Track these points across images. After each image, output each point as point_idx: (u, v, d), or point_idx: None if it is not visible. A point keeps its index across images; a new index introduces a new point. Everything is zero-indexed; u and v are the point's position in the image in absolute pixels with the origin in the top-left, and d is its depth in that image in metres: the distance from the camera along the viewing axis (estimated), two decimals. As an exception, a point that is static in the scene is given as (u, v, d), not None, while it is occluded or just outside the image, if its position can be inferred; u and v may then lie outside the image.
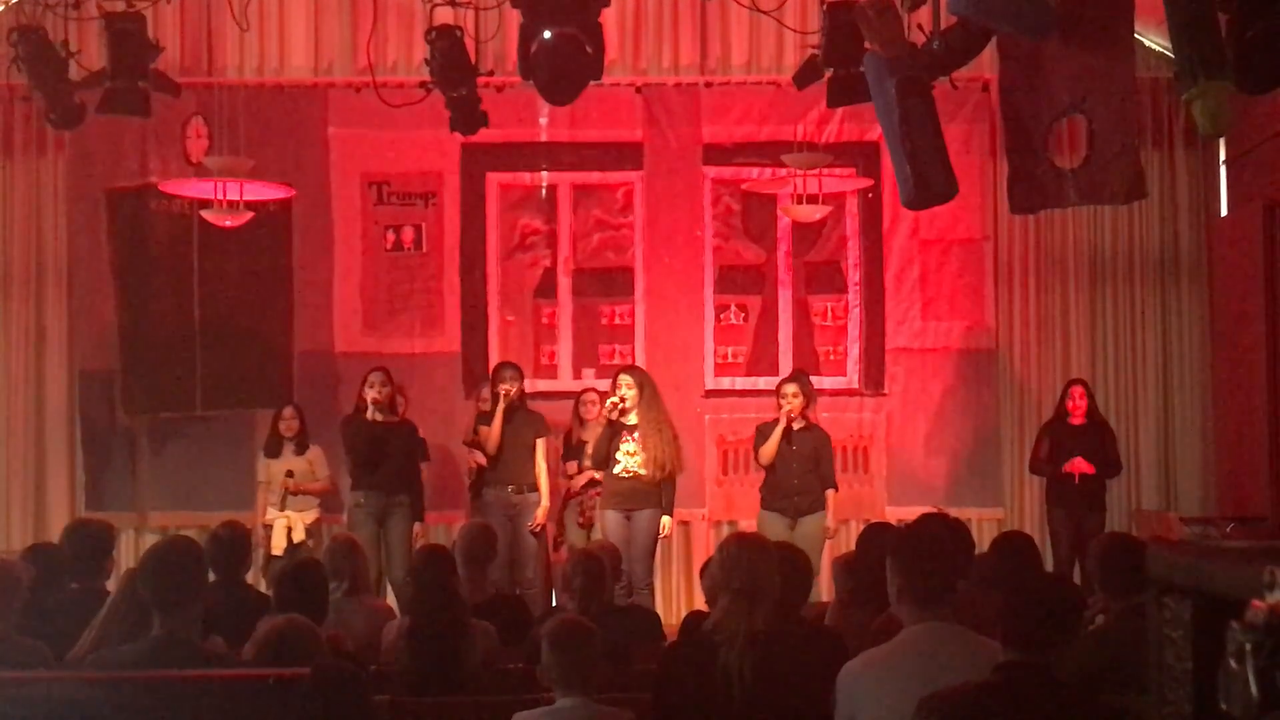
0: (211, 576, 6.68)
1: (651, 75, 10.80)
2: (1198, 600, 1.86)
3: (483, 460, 9.51)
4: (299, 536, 9.39)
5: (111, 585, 5.61)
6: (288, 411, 9.80)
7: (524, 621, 6.34)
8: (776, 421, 9.20)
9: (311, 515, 9.64)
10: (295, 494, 9.55)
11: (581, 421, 9.78)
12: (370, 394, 9.20)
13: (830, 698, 4.00)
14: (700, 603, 7.33)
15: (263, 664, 4.42)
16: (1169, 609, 1.93)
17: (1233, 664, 1.63)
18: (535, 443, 9.48)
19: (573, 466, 9.75)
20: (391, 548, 9.28)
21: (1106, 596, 5.16)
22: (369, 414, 9.20)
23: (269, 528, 9.55)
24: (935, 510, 7.16)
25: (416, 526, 9.37)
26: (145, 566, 4.35)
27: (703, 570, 6.65)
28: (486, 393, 9.71)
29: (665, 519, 9.09)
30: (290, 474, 9.57)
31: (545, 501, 9.45)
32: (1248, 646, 1.61)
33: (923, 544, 4.03)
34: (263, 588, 8.08)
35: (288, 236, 10.64)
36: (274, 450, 9.75)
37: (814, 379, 9.87)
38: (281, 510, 9.54)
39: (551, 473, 9.74)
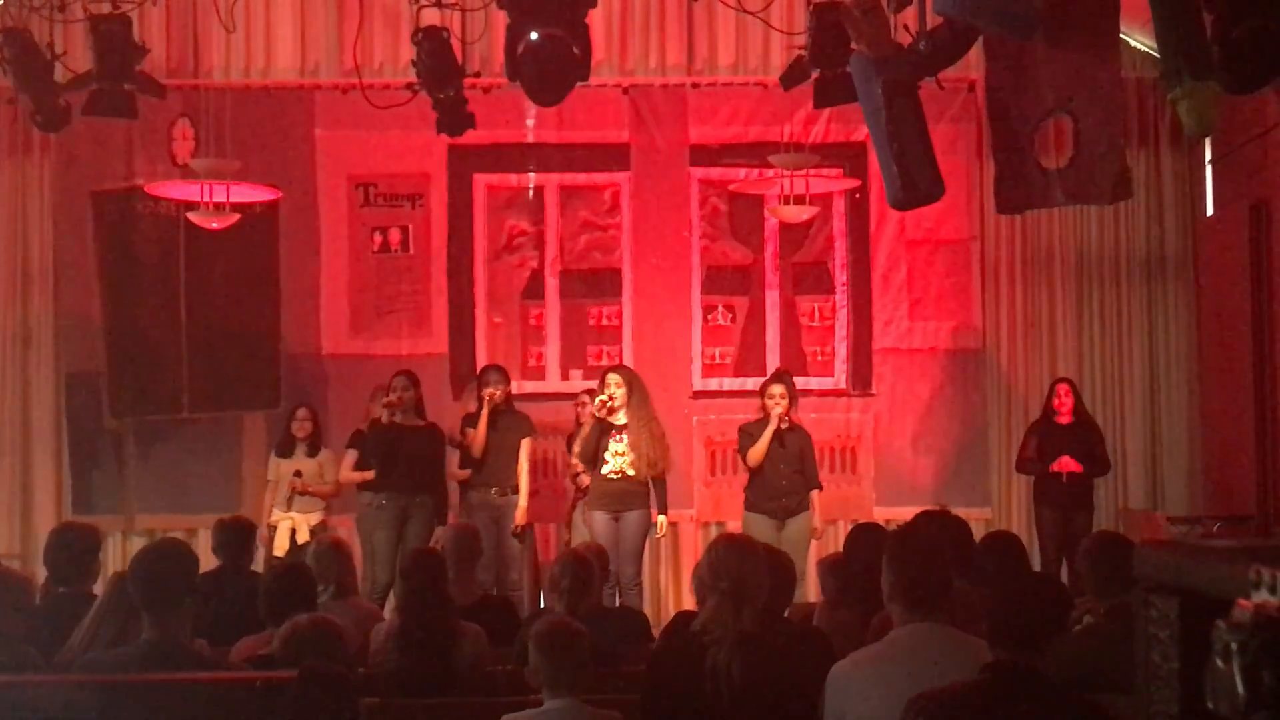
0: (216, 563, 6.93)
1: (639, 76, 10.80)
2: (1184, 599, 1.86)
3: (462, 475, 9.52)
4: (303, 538, 9.35)
5: (98, 589, 5.60)
6: (301, 412, 9.80)
7: (512, 623, 6.34)
8: (760, 422, 9.20)
9: (316, 517, 9.62)
10: (302, 494, 9.56)
11: (580, 422, 9.73)
12: (389, 397, 9.20)
13: (818, 698, 4.00)
14: (689, 603, 7.34)
15: (288, 661, 4.43)
16: (1156, 608, 1.94)
17: (1219, 663, 1.64)
18: (521, 444, 9.46)
19: (579, 465, 9.68)
20: (410, 550, 9.21)
21: (1095, 595, 5.17)
22: (383, 417, 9.19)
23: (273, 528, 9.55)
24: (935, 508, 7.15)
25: (438, 530, 9.30)
26: (136, 568, 4.34)
27: (695, 571, 6.67)
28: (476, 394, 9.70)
29: (661, 518, 9.10)
30: (299, 474, 9.57)
31: (523, 502, 9.42)
32: (1234, 646, 1.61)
33: (915, 545, 4.03)
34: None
35: (274, 238, 10.62)
36: (286, 450, 9.75)
37: (801, 380, 9.88)
38: (287, 511, 9.53)
39: (537, 474, 9.73)
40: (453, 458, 9.74)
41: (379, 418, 9.23)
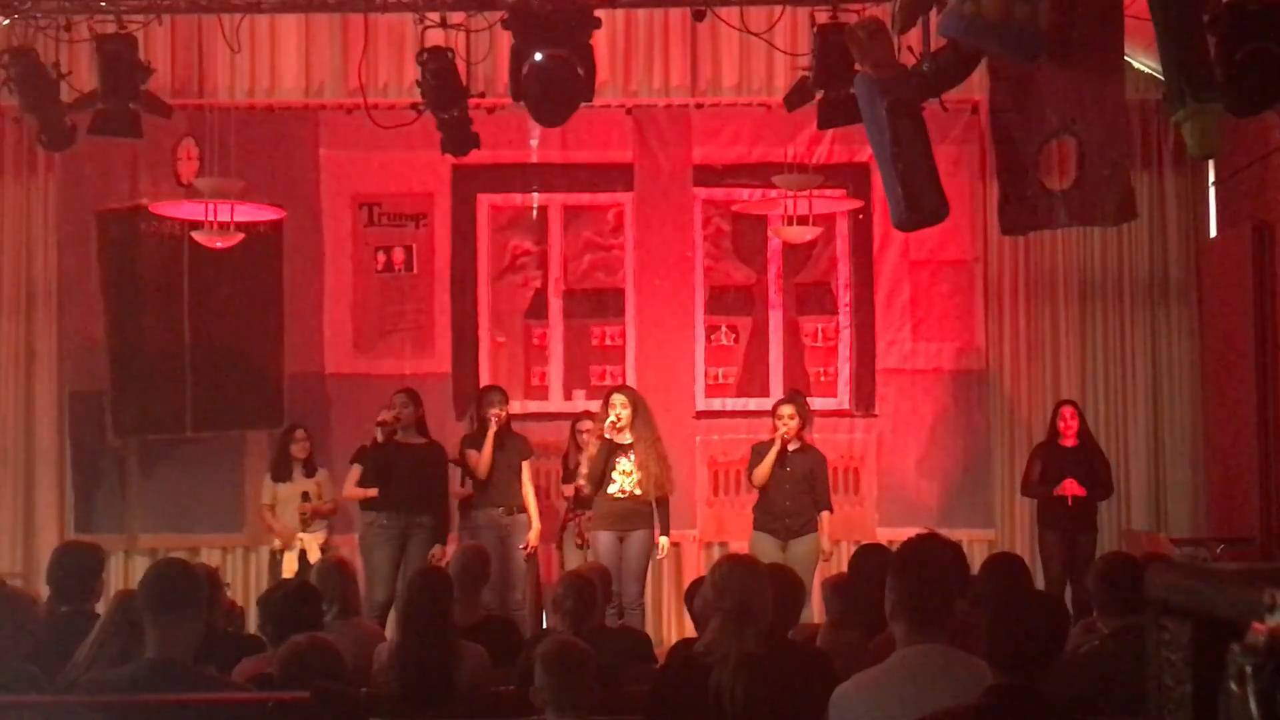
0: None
1: (642, 97, 10.79)
2: (1197, 622, 1.85)
3: (464, 493, 9.52)
4: (314, 557, 9.30)
5: (101, 609, 5.59)
6: (299, 434, 9.78)
7: (515, 643, 6.33)
8: (772, 441, 9.19)
9: (322, 536, 9.62)
10: (314, 518, 9.55)
11: (579, 446, 9.71)
12: (385, 414, 9.18)
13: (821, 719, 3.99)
14: (690, 623, 7.31)
15: (287, 681, 4.43)
16: (1168, 631, 1.93)
17: (1233, 687, 1.63)
18: (522, 465, 9.47)
19: (571, 490, 9.67)
20: (410, 569, 9.19)
21: (1105, 616, 5.15)
22: (380, 435, 9.17)
23: (278, 553, 9.53)
24: (928, 531, 7.13)
25: (436, 548, 9.23)
26: (148, 575, 4.34)
27: (688, 593, 6.65)
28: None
29: (663, 540, 9.09)
30: (306, 496, 9.56)
31: (536, 524, 9.43)
32: (1248, 669, 1.60)
33: (919, 564, 4.02)
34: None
35: (278, 258, 10.63)
36: (283, 473, 9.71)
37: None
38: (302, 532, 9.52)
39: (544, 494, 9.72)
40: (456, 477, 9.75)
41: (377, 437, 9.20)
